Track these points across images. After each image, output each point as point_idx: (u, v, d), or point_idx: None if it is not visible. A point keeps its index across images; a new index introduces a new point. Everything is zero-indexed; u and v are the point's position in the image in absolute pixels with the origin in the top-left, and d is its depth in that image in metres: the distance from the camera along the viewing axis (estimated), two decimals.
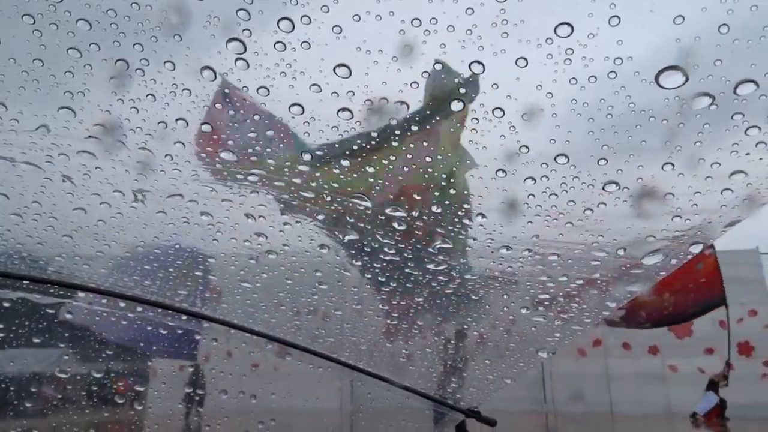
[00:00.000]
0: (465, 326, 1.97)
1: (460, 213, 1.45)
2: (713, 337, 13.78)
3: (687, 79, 1.02)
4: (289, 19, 1.06)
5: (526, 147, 1.23)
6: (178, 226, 1.58)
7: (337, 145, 1.34)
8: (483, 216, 1.43)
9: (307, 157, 1.39)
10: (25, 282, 1.67)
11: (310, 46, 1.10)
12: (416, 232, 1.51)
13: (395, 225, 1.49)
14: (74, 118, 1.24)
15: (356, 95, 1.19)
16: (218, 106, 1.30)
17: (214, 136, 1.36)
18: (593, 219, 1.33)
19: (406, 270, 1.65)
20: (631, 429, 14.18)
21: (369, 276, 1.74)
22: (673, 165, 1.16)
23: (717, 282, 12.26)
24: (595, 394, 15.00)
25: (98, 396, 2.13)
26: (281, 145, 1.38)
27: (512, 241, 1.47)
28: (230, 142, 1.38)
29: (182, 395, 2.37)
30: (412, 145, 1.36)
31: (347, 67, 1.14)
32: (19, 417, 2.04)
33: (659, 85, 1.03)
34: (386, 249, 1.58)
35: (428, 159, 1.43)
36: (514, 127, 1.19)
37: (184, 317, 1.92)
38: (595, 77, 1.07)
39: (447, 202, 1.45)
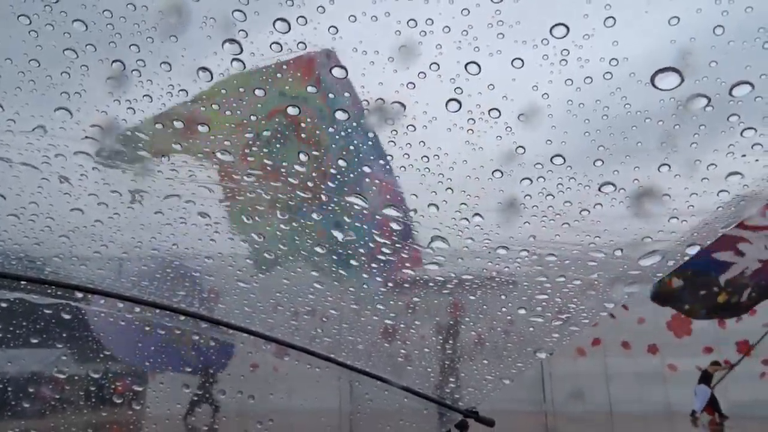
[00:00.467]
0: (452, 321, 1.96)
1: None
2: (713, 337, 13.78)
3: (683, 81, 1.02)
4: (285, 20, 1.06)
5: (523, 148, 1.23)
6: (176, 227, 1.58)
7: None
8: (480, 216, 1.43)
9: (303, 157, 1.39)
10: (22, 282, 1.66)
11: (306, 47, 1.10)
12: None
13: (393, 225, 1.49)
14: (71, 118, 1.24)
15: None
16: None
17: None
18: (590, 220, 1.33)
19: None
20: (631, 428, 14.16)
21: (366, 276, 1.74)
22: (669, 166, 1.16)
23: None
24: (594, 393, 14.99)
25: (96, 396, 2.13)
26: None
27: (509, 242, 1.46)
28: (227, 143, 1.38)
29: (181, 395, 2.37)
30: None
31: (343, 68, 1.14)
32: (17, 417, 2.04)
33: (655, 86, 1.04)
34: (384, 249, 1.58)
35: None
36: (510, 127, 1.19)
37: (182, 317, 1.91)
38: (591, 78, 1.07)
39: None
